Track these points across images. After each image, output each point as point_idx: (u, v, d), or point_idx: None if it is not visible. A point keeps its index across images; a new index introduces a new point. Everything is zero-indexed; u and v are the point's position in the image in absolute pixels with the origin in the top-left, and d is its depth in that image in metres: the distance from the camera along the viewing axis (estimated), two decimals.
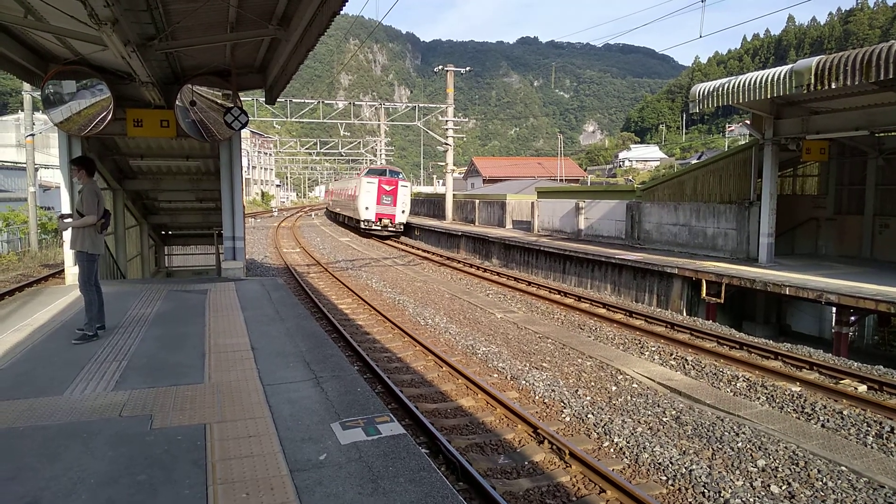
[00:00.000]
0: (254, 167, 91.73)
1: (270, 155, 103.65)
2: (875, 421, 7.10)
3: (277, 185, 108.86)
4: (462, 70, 35.95)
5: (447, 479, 5.46)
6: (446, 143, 36.22)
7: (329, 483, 3.63)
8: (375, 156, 58.70)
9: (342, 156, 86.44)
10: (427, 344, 10.24)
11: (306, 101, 41.28)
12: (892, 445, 6.55)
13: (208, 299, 9.74)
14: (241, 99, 11.35)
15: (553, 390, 8.17)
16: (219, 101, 11.02)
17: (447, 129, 36.04)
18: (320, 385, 5.52)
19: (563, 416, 7.40)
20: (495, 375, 9.00)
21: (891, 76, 10.11)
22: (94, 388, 5.28)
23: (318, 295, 15.05)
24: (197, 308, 9.02)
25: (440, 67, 35.46)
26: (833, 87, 11.12)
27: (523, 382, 8.55)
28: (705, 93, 14.95)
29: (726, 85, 14.46)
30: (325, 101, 44.43)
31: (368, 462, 3.96)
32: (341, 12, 7.53)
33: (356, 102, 49.41)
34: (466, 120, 52.79)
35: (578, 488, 5.65)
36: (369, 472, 3.79)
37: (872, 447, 6.54)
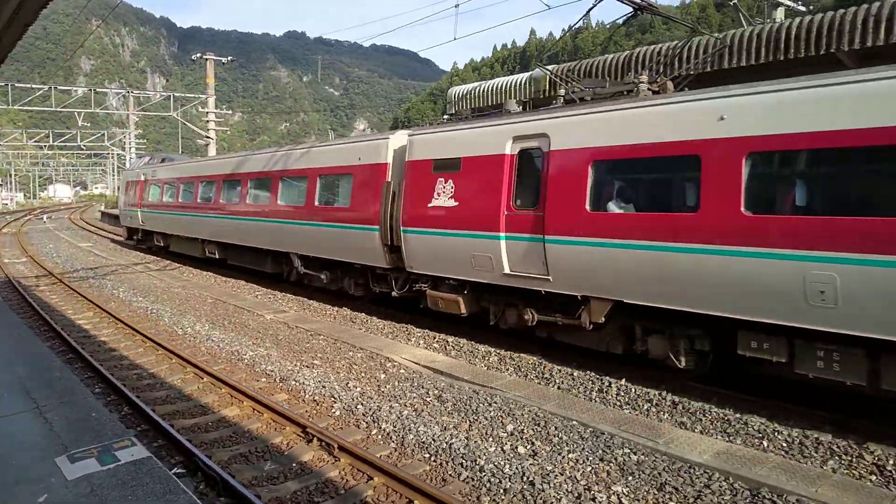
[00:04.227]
0: None
1: None
2: (597, 378, 8.36)
3: None
4: (224, 59, 33.71)
5: (206, 496, 5.12)
6: (208, 137, 33.73)
7: None
8: (124, 150, 52.30)
9: (82, 149, 75.48)
10: (185, 355, 9.43)
11: (35, 86, 35.32)
12: (610, 398, 7.79)
13: None
14: None
15: (324, 387, 8.14)
16: None
17: (208, 122, 33.58)
18: (43, 415, 4.77)
19: (334, 410, 7.42)
20: (263, 380, 8.66)
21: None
22: None
23: (50, 311, 12.88)
24: None
25: (199, 55, 32.82)
26: (562, 92, 12.81)
27: (293, 383, 8.37)
28: (461, 95, 16.17)
29: (478, 88, 15.82)
30: (61, 88, 38.63)
31: (102, 495, 3.53)
32: None
33: (99, 90, 43.46)
34: (231, 112, 49.92)
35: (347, 480, 5.71)
36: None
37: (595, 401, 7.71)
